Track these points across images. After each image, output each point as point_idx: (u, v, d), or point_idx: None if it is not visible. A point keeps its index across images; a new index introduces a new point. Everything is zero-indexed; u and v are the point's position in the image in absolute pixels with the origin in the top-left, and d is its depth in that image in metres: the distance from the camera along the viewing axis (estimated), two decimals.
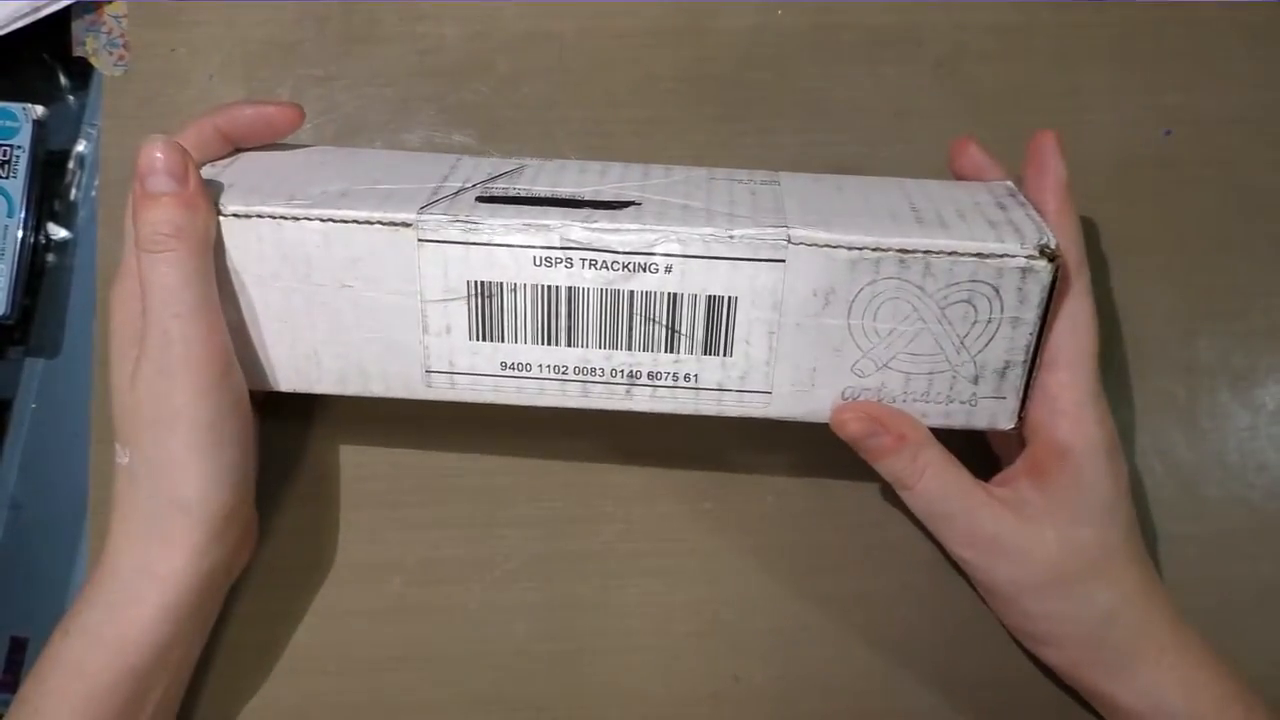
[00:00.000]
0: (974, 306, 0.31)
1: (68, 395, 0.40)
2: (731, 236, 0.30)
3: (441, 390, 0.33)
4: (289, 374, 0.33)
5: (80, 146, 0.42)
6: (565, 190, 0.32)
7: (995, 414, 0.33)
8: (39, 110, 0.41)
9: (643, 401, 0.33)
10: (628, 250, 0.30)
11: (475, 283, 0.31)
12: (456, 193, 0.32)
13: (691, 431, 0.38)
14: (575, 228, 0.30)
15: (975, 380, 0.32)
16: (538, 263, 0.31)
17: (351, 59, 0.42)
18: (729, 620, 0.38)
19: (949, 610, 0.38)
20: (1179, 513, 0.39)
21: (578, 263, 0.31)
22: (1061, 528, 0.32)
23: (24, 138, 0.40)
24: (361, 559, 0.38)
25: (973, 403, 0.32)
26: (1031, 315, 0.31)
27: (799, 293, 0.31)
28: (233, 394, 0.31)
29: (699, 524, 0.39)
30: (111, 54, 0.41)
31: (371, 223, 0.31)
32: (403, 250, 0.31)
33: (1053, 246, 0.30)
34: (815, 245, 0.30)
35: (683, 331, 0.31)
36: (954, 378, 0.32)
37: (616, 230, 0.30)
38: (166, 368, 0.30)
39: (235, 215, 0.31)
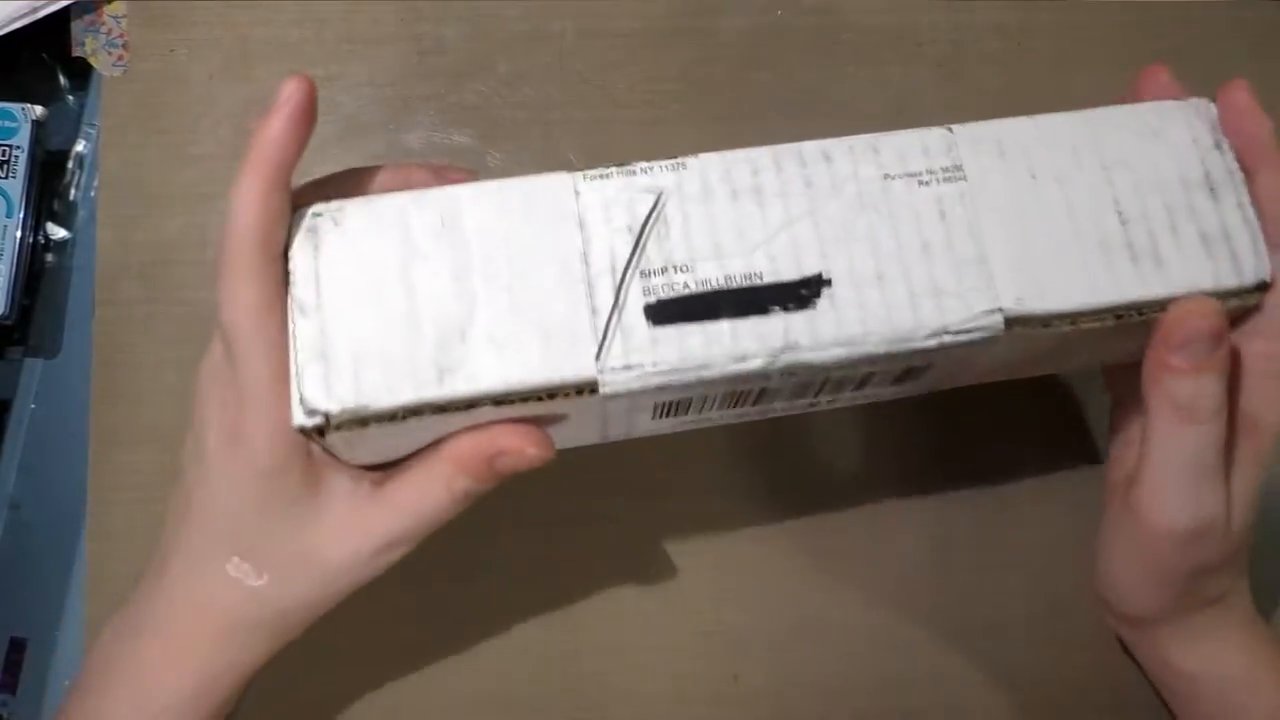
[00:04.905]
0: None
1: (67, 395, 0.40)
2: (944, 340, 0.27)
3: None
4: None
5: (79, 146, 0.42)
6: (735, 264, 0.27)
7: None
8: (38, 110, 0.41)
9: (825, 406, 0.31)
10: (833, 364, 0.27)
11: (663, 404, 0.28)
12: (616, 304, 0.27)
13: (692, 434, 0.38)
14: (776, 358, 0.27)
15: None
16: (733, 382, 0.28)
17: (351, 59, 0.42)
18: (729, 620, 0.38)
19: (949, 611, 0.38)
20: None
21: (776, 376, 0.27)
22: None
23: (23, 138, 0.40)
24: None
25: None
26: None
27: (1000, 355, 0.29)
28: None
29: (699, 525, 0.39)
30: (111, 54, 0.41)
31: (549, 396, 0.27)
32: (588, 405, 0.27)
33: (1268, 281, 0.28)
34: (1031, 324, 0.27)
35: (874, 383, 0.30)
36: None
37: (818, 350, 0.27)
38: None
39: (380, 417, 0.26)
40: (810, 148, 0.28)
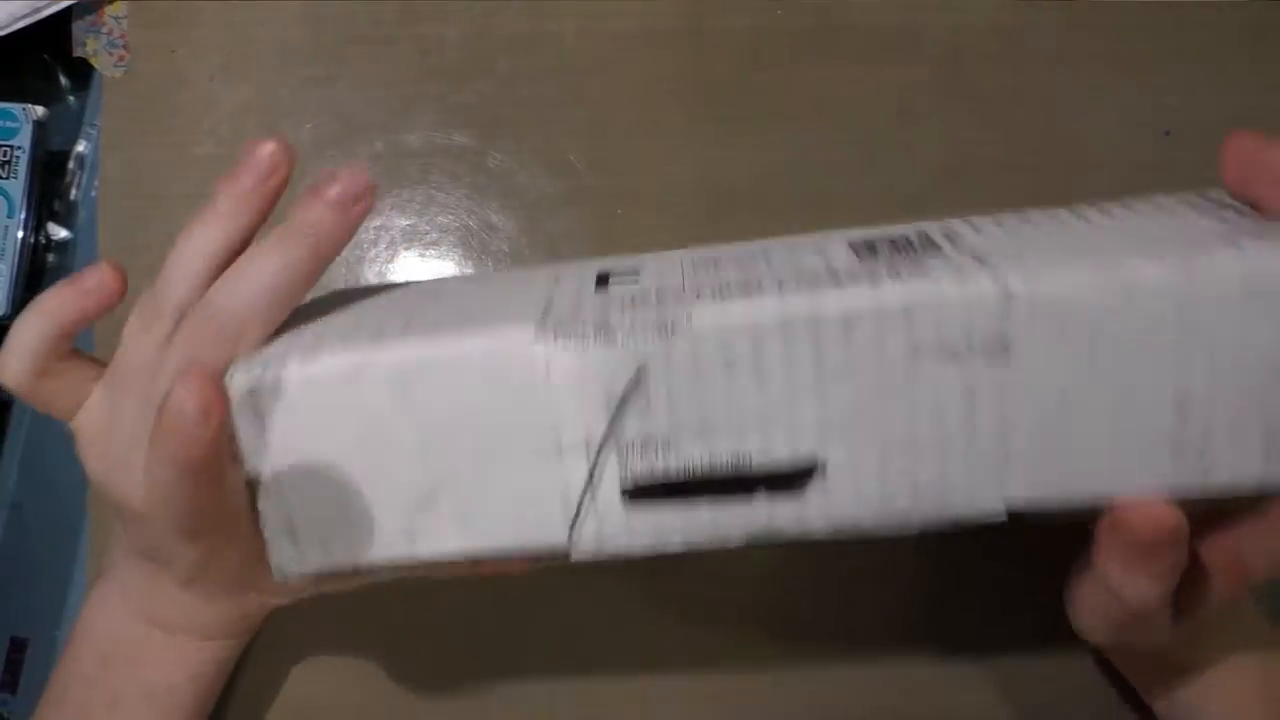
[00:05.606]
0: None
1: None
2: (939, 524, 0.25)
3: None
4: None
5: (80, 147, 0.42)
6: (722, 444, 0.24)
7: None
8: (39, 111, 0.41)
9: None
10: (815, 539, 0.25)
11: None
12: (591, 481, 0.25)
13: None
14: (756, 538, 0.25)
15: None
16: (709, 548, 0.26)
17: (351, 59, 0.42)
18: (730, 620, 0.38)
19: (949, 612, 0.38)
20: None
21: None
22: None
23: (24, 138, 0.40)
24: None
25: None
26: None
27: None
28: None
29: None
30: (112, 55, 0.41)
31: (518, 549, 0.26)
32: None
33: None
34: (1035, 512, 0.25)
35: None
36: None
37: (800, 530, 0.25)
38: None
39: (357, 570, 0.26)
40: (831, 311, 0.24)
